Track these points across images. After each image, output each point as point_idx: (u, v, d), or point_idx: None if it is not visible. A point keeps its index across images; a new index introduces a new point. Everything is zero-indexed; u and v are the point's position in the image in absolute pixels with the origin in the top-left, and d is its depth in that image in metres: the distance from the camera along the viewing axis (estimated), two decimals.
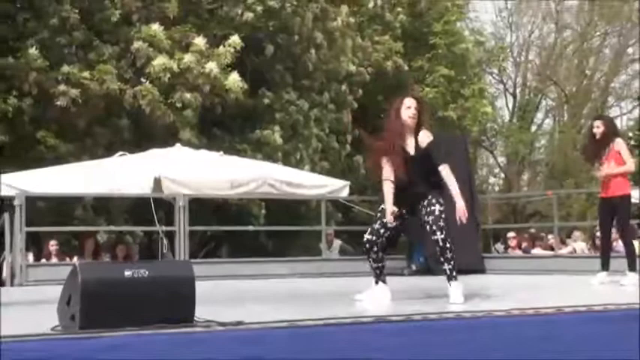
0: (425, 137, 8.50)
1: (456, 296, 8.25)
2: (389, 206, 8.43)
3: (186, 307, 6.05)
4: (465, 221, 8.37)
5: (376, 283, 8.84)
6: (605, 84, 43.81)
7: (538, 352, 7.05)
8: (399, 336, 6.69)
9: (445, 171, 8.40)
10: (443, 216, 8.34)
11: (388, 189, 8.55)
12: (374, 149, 8.92)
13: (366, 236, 8.69)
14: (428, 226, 8.41)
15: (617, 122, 37.14)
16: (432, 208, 8.35)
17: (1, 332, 5.16)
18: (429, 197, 8.40)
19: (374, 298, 8.68)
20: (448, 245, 8.35)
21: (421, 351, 6.62)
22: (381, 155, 8.64)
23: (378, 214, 8.68)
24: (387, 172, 8.63)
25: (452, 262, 8.39)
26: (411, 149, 8.47)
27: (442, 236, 8.31)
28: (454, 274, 8.40)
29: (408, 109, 8.44)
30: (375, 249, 8.71)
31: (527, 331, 7.18)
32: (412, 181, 8.46)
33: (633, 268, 11.30)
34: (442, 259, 8.41)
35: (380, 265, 8.84)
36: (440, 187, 8.53)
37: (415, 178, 8.46)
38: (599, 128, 11.50)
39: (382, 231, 8.59)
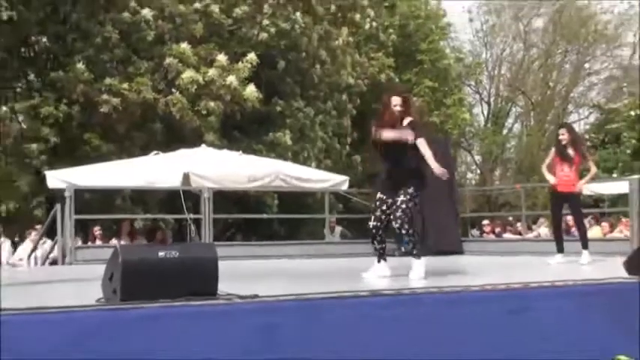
0: (407, 120, 8.58)
1: (418, 272, 8.34)
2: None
3: (210, 283, 6.05)
4: (445, 179, 8.60)
5: (378, 262, 8.84)
6: (566, 94, 43.73)
7: (508, 323, 7.05)
8: (390, 307, 6.69)
9: (422, 144, 8.43)
10: (402, 206, 8.36)
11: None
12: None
13: (371, 223, 8.68)
14: (392, 217, 8.48)
15: (576, 126, 37.28)
16: (399, 203, 8.39)
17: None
18: (400, 191, 8.42)
19: (377, 274, 8.68)
20: (404, 232, 8.44)
21: (409, 319, 6.63)
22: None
23: (377, 203, 8.66)
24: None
25: (412, 244, 8.55)
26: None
27: (397, 225, 8.38)
28: (415, 252, 8.51)
29: (394, 106, 8.51)
30: (380, 232, 8.71)
31: (499, 304, 7.19)
32: (395, 166, 8.59)
33: (586, 247, 11.40)
34: (408, 239, 8.59)
35: (382, 246, 8.83)
36: (418, 174, 8.58)
37: (398, 163, 8.56)
38: (564, 135, 11.56)
39: (383, 217, 8.58)
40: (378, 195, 8.71)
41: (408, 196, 8.40)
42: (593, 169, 11.66)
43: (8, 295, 6.98)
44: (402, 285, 7.52)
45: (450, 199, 16.07)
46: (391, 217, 8.45)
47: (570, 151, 11.41)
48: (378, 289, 7.21)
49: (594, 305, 7.55)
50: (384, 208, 8.58)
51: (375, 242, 8.83)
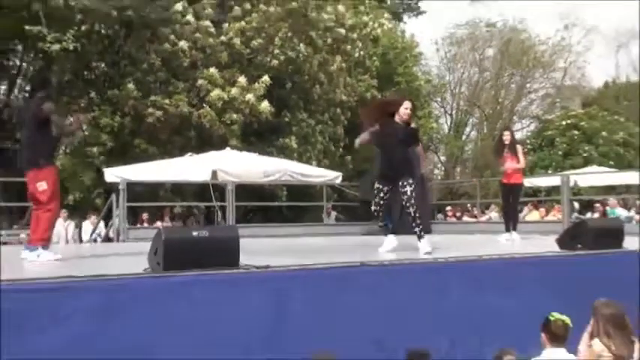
0: (413, 124, 8.66)
1: (425, 248, 8.13)
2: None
3: (233, 256, 6.04)
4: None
5: (386, 235, 8.77)
6: (511, 108, 43.65)
7: (470, 286, 7.07)
8: (376, 274, 6.70)
9: (419, 148, 8.56)
10: (413, 195, 8.18)
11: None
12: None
13: (373, 207, 8.51)
14: (403, 202, 8.25)
15: (519, 134, 37.37)
16: (405, 189, 8.16)
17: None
18: (403, 181, 8.19)
19: (389, 247, 8.55)
20: (418, 215, 8.23)
21: (391, 284, 6.64)
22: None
23: (376, 192, 8.45)
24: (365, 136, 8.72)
25: (420, 227, 8.28)
26: (401, 133, 8.31)
27: (413, 210, 8.19)
28: (422, 234, 8.28)
29: (405, 108, 8.32)
30: (381, 214, 8.57)
31: (459, 272, 7.20)
32: (397, 161, 8.31)
33: (515, 228, 11.49)
34: (414, 225, 8.26)
35: (384, 223, 8.77)
36: (412, 170, 8.40)
37: (399, 158, 8.32)
38: (507, 137, 11.56)
39: (382, 202, 8.40)
40: (377, 185, 8.45)
41: (410, 184, 8.23)
42: (522, 164, 11.57)
43: (74, 265, 6.99)
44: (388, 258, 7.51)
45: (423, 189, 16.04)
46: (406, 204, 8.18)
47: (512, 150, 11.40)
48: (367, 260, 7.19)
49: (534, 273, 7.56)
50: (382, 195, 8.37)
51: (379, 221, 8.77)
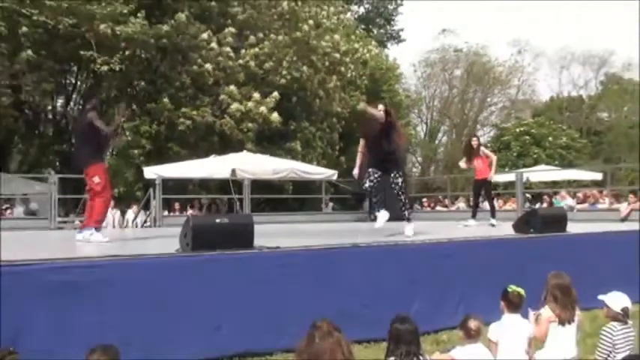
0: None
1: (409, 232, 8.05)
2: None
3: (249, 239, 6.02)
4: None
5: (378, 211, 8.40)
6: (475, 118, 43.68)
7: (442, 265, 7.05)
8: (367, 254, 6.68)
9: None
10: (404, 185, 8.07)
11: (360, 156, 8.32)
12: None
13: (367, 185, 8.02)
14: (395, 191, 8.05)
15: (481, 139, 37.25)
16: (397, 180, 7.98)
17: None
18: (394, 172, 8.00)
19: (383, 220, 8.21)
20: (407, 202, 8.16)
21: (374, 261, 6.62)
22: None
23: (370, 172, 8.02)
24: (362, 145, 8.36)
25: (407, 212, 8.19)
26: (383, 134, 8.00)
27: (403, 197, 8.10)
28: (410, 218, 8.20)
29: (379, 109, 7.95)
30: (374, 191, 8.16)
31: (435, 252, 7.17)
32: (384, 154, 8.00)
33: (494, 216, 11.29)
34: (403, 209, 8.17)
35: (378, 198, 8.45)
36: (397, 162, 8.14)
37: (385, 151, 7.99)
38: (475, 141, 11.47)
39: (375, 181, 8.00)
40: (371, 169, 8.01)
41: (400, 175, 8.06)
42: (493, 165, 11.47)
43: (119, 247, 6.97)
44: (377, 239, 7.48)
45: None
46: (398, 193, 7.99)
47: (477, 151, 11.31)
48: (358, 242, 7.17)
49: (494, 252, 7.54)
50: (376, 175, 7.99)
51: (373, 197, 8.48)
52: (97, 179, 7.25)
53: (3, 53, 16.84)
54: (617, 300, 4.63)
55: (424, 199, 21.41)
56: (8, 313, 4.59)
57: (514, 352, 4.47)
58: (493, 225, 10.95)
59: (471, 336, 4.28)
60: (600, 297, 4.71)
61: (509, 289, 4.65)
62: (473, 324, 4.28)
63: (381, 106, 8.10)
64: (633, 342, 4.53)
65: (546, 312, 4.72)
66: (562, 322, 4.66)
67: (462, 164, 11.68)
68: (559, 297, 4.70)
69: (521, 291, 4.65)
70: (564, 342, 4.66)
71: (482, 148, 11.58)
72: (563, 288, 4.73)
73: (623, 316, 4.57)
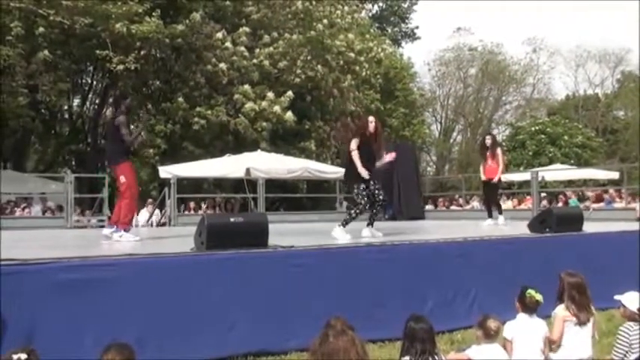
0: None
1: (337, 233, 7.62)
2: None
3: (263, 238, 6.02)
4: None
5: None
6: (490, 116, 43.51)
7: (456, 264, 7.01)
8: (380, 252, 6.66)
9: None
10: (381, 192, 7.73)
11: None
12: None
13: (382, 197, 7.79)
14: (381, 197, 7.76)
15: (497, 138, 37.08)
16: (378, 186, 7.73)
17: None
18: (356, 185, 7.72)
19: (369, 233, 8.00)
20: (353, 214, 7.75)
21: (388, 261, 6.60)
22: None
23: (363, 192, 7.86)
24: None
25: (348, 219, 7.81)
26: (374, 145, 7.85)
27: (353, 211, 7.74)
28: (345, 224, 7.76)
29: (370, 122, 7.74)
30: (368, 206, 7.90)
31: (449, 251, 7.14)
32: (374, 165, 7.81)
33: (501, 213, 11.20)
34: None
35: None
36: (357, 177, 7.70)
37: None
38: (489, 140, 11.33)
39: (368, 198, 7.92)
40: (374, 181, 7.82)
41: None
42: (502, 166, 11.24)
43: (132, 245, 6.99)
44: (389, 239, 7.46)
45: (417, 183, 15.90)
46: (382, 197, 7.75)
47: (492, 151, 11.16)
48: (372, 241, 7.15)
49: (510, 252, 7.49)
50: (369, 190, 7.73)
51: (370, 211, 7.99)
52: (122, 179, 7.35)
53: (20, 54, 16.97)
54: (633, 300, 4.59)
55: (440, 198, 21.31)
56: (23, 311, 4.62)
57: (529, 351, 4.44)
58: (501, 224, 10.82)
59: (490, 336, 4.23)
60: (617, 297, 4.67)
61: (528, 294, 4.55)
62: (493, 324, 4.23)
63: (371, 118, 7.94)
64: None
65: (561, 311, 4.68)
66: (580, 323, 4.62)
67: (483, 177, 11.43)
68: (576, 297, 4.66)
69: (540, 298, 4.54)
70: (580, 342, 4.62)
71: (498, 149, 11.29)
72: (580, 287, 4.69)
73: (639, 316, 4.53)
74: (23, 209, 16.27)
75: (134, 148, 7.70)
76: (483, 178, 11.30)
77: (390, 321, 5.42)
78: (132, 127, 8.38)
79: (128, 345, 3.54)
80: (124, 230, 7.44)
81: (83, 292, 4.89)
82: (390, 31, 37.86)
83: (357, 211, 7.71)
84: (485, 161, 11.19)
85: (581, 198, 17.75)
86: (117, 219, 7.50)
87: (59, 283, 4.84)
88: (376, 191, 7.70)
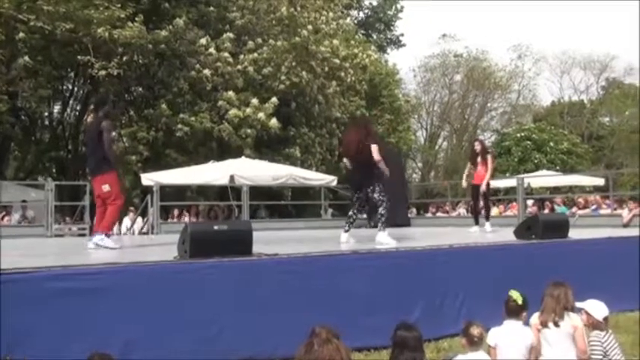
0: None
1: (383, 239, 7.80)
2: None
3: (247, 246, 6.00)
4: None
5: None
6: (476, 123, 43.78)
7: (443, 269, 7.04)
8: (367, 261, 6.68)
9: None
10: (380, 197, 7.90)
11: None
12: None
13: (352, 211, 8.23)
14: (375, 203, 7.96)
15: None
16: (375, 194, 7.88)
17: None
18: (373, 186, 7.90)
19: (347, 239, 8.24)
20: (383, 212, 7.94)
21: (374, 268, 6.61)
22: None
23: (354, 200, 8.20)
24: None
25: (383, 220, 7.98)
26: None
27: (382, 210, 7.91)
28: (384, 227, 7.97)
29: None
30: (355, 212, 8.24)
31: (436, 258, 7.16)
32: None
33: (488, 219, 11.27)
34: (380, 217, 8.00)
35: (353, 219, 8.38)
36: (377, 177, 7.96)
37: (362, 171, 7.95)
38: (478, 146, 11.41)
39: (358, 205, 8.21)
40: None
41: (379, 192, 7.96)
42: (489, 172, 11.31)
43: (116, 254, 6.96)
44: (370, 247, 7.48)
45: (402, 190, 15.96)
46: (378, 204, 7.88)
47: (482, 157, 11.23)
48: (356, 249, 7.17)
49: (495, 258, 7.54)
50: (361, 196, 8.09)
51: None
52: (106, 187, 7.26)
53: (0, 59, 16.86)
54: (598, 308, 4.64)
55: (430, 206, 21.37)
56: (9, 321, 4.59)
57: (513, 357, 4.46)
58: (488, 231, 10.90)
59: (474, 343, 4.26)
60: (579, 304, 4.70)
61: (508, 296, 4.64)
62: (475, 330, 4.26)
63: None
64: (620, 349, 4.55)
65: (533, 319, 4.76)
66: (543, 325, 4.67)
67: (464, 183, 11.62)
68: (547, 303, 4.72)
69: (519, 298, 4.60)
70: (554, 346, 4.64)
71: (488, 154, 11.34)
72: (552, 295, 4.73)
73: (605, 325, 4.58)
74: (2, 217, 16.14)
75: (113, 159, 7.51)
76: (464, 184, 11.52)
77: (376, 329, 5.44)
78: (113, 134, 8.34)
79: (109, 355, 3.55)
80: (105, 235, 7.37)
81: (66, 301, 4.86)
82: (375, 37, 38.00)
83: (386, 207, 7.92)
84: (475, 168, 11.28)
85: (569, 204, 17.89)
86: (101, 225, 7.41)
87: (42, 293, 4.81)
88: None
